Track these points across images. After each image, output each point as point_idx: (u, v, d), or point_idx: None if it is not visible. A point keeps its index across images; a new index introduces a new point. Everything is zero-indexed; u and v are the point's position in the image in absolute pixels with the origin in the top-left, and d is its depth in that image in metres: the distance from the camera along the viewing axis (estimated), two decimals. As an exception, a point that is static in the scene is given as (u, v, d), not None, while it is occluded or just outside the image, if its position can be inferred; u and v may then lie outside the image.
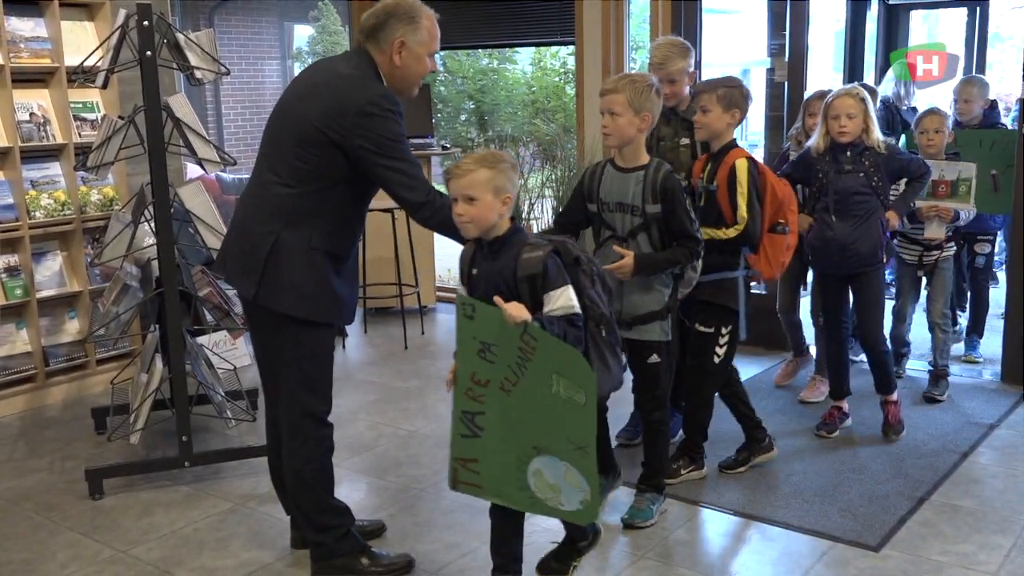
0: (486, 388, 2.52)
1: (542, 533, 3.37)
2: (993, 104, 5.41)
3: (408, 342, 5.83)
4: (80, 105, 5.03)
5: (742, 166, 3.50)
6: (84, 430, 4.47)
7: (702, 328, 3.65)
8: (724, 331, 3.65)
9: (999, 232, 5.42)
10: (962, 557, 3.16)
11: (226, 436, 4.32)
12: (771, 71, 5.54)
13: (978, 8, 7.81)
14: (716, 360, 3.68)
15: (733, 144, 3.59)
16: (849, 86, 4.07)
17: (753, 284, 3.78)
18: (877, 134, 3.93)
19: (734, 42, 9.27)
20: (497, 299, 2.43)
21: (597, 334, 2.66)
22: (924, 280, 4.75)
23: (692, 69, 3.90)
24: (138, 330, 4.95)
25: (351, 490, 3.78)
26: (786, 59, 5.32)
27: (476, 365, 2.51)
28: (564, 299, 2.50)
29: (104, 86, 4.04)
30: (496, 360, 2.47)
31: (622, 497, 3.50)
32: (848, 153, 3.93)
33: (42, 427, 4.56)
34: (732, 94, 3.52)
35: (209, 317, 4.27)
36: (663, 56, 3.91)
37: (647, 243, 3.23)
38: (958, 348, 5.28)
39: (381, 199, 3.18)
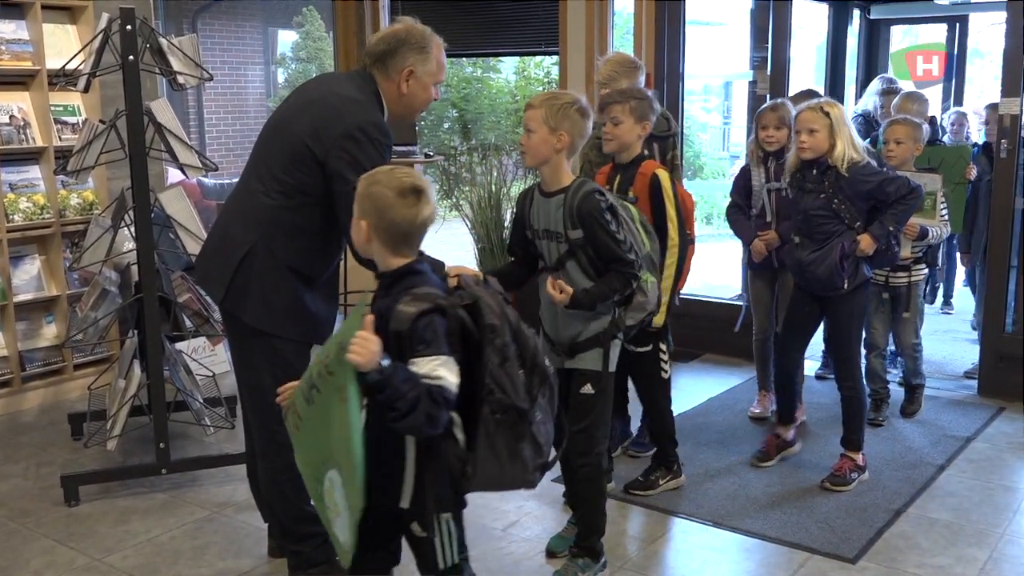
0: (327, 380, 2.15)
1: (520, 543, 3.37)
2: (932, 120, 5.24)
3: (389, 350, 5.81)
4: (61, 108, 5.00)
5: (665, 176, 3.43)
6: (60, 436, 4.43)
7: (638, 349, 3.56)
8: (663, 347, 3.64)
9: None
10: (938, 570, 3.18)
11: (204, 443, 4.29)
12: (753, 83, 5.57)
13: (957, 24, 7.91)
14: (664, 375, 3.70)
15: (644, 155, 3.50)
16: (822, 99, 3.88)
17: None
18: (844, 151, 3.64)
19: (719, 54, 9.34)
20: (368, 319, 2.03)
21: (491, 423, 2.14)
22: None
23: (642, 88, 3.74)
24: (116, 336, 4.93)
25: (329, 498, 3.76)
26: (768, 72, 5.36)
27: (332, 355, 2.11)
28: (427, 369, 2.03)
29: (85, 90, 4.02)
30: (334, 371, 2.09)
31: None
32: (814, 171, 3.71)
33: (17, 432, 4.51)
34: (643, 106, 3.42)
35: (188, 323, 4.25)
36: (607, 75, 3.85)
37: (578, 271, 2.97)
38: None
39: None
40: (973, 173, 4.90)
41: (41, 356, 4.95)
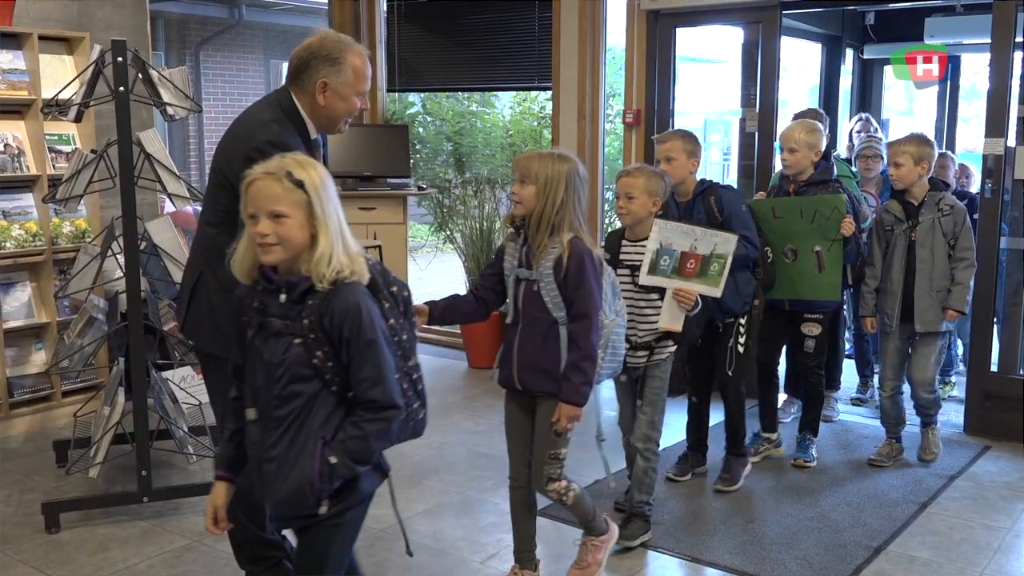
0: None
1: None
2: (826, 155, 4.27)
3: (378, 381, 5.81)
4: (56, 137, 5.06)
5: None
6: (45, 462, 4.43)
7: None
8: None
9: (844, 308, 4.65)
10: (915, 608, 3.17)
11: (187, 471, 4.29)
12: (743, 121, 5.63)
13: (950, 64, 7.96)
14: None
15: None
16: (297, 162, 2.32)
17: None
18: (330, 250, 2.10)
19: (717, 91, 9.41)
20: None
21: None
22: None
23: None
24: (104, 362, 4.94)
25: (310, 529, 3.75)
26: (756, 110, 5.41)
27: None
28: None
29: (77, 120, 4.07)
30: None
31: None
32: (282, 296, 2.20)
33: (2, 459, 4.51)
34: None
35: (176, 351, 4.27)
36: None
37: None
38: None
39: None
40: (850, 228, 4.09)
41: (29, 383, 4.97)
